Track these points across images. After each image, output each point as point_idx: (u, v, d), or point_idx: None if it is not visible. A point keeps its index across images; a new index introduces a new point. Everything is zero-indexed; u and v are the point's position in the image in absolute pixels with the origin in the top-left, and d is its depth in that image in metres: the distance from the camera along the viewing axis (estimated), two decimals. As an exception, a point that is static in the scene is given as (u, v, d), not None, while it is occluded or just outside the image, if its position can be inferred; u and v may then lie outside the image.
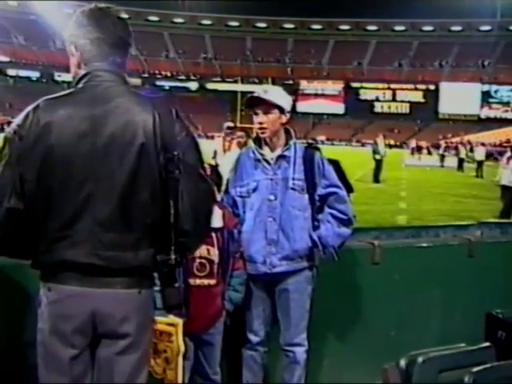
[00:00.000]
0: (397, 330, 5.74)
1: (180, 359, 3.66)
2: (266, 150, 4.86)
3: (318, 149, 5.14)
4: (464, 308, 6.02)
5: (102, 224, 2.95)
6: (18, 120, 3.02)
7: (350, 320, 5.67)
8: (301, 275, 4.81)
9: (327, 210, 4.81)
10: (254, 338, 4.93)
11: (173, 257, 3.08)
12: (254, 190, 4.82)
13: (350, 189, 5.20)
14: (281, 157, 4.81)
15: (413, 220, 17.22)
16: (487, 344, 3.62)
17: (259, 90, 4.83)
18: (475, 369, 3.06)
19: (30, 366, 3.25)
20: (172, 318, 3.59)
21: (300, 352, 4.90)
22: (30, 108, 3.01)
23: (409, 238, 6.38)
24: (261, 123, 4.75)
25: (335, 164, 5.09)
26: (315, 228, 4.81)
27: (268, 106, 4.76)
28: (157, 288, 3.24)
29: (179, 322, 3.59)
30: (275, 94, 4.84)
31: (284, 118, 4.80)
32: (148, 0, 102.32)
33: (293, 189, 4.76)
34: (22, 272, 4.09)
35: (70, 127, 2.95)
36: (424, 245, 6.11)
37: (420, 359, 3.20)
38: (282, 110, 4.79)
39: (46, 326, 3.03)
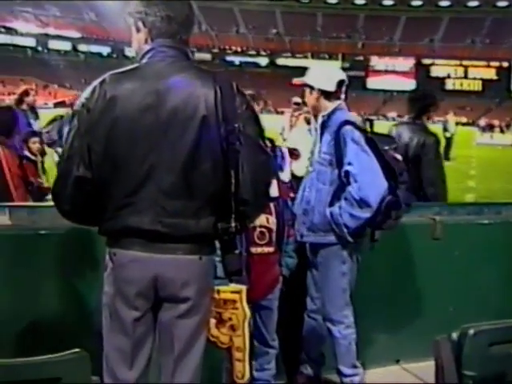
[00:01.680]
0: (456, 306, 5.78)
1: (246, 325, 3.78)
2: (315, 124, 5.04)
3: (367, 121, 5.18)
4: (524, 285, 5.99)
5: (165, 192, 3.09)
6: (85, 93, 3.18)
7: (408, 295, 5.74)
8: (329, 250, 4.85)
9: (347, 188, 4.72)
10: (310, 304, 5.08)
11: (233, 225, 3.19)
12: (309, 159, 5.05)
13: (391, 171, 4.79)
14: (316, 130, 4.96)
15: (480, 198, 16.95)
16: (540, 319, 3.62)
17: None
18: (525, 342, 3.10)
19: (97, 330, 3.42)
20: (235, 286, 3.70)
21: (337, 329, 4.92)
22: (96, 82, 3.16)
23: (470, 215, 6.38)
24: (303, 102, 4.98)
25: (372, 142, 4.88)
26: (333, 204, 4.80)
27: (301, 84, 5.05)
28: (217, 258, 3.37)
29: (243, 288, 3.70)
30: (307, 72, 5.07)
31: (315, 94, 4.92)
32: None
33: (319, 162, 4.86)
34: (89, 237, 4.30)
35: (134, 101, 3.08)
36: (485, 221, 6.12)
37: (471, 331, 3.22)
38: (310, 87, 4.94)
39: (111, 289, 3.20)
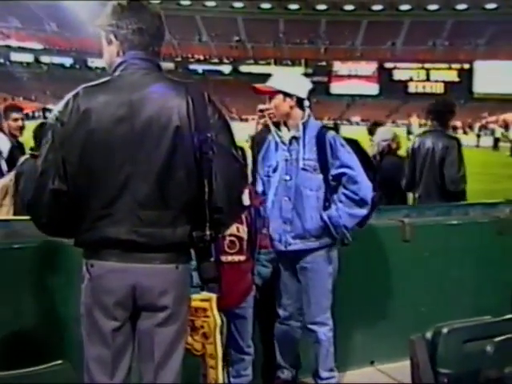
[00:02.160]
0: (427, 307, 5.84)
1: (218, 332, 3.84)
2: (284, 132, 5.03)
3: (332, 128, 5.26)
4: (493, 284, 6.11)
5: (141, 203, 3.13)
6: (58, 107, 3.21)
7: (380, 297, 5.79)
8: (317, 254, 4.92)
9: (340, 190, 4.87)
10: (282, 313, 5.10)
11: (208, 233, 3.22)
12: (275, 170, 5.01)
13: (372, 168, 5.18)
14: (293, 138, 4.95)
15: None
16: (511, 316, 3.70)
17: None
18: (498, 338, 3.16)
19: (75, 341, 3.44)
20: (206, 294, 3.75)
21: (323, 331, 5.00)
22: (70, 95, 3.19)
23: (439, 216, 6.45)
24: (267, 109, 4.96)
25: (354, 144, 5.10)
26: (328, 208, 4.88)
27: (271, 92, 4.96)
28: (191, 266, 3.40)
29: (213, 296, 3.76)
30: (277, 79, 5.03)
31: (290, 102, 4.91)
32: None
33: (304, 169, 4.88)
34: (62, 249, 4.32)
35: (108, 113, 3.12)
36: (454, 222, 6.21)
37: (445, 330, 3.28)
38: (286, 94, 4.92)
39: (89, 300, 3.21)
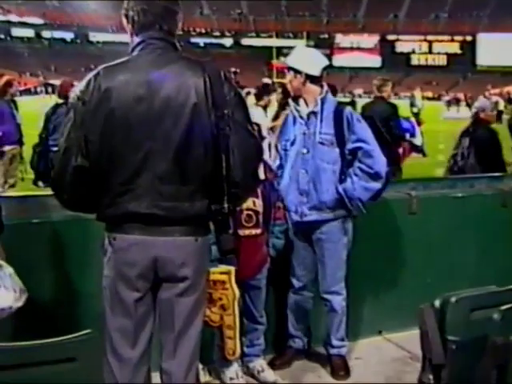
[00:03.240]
0: (433, 277, 5.94)
1: (236, 304, 3.95)
2: (302, 107, 5.13)
3: (349, 104, 5.36)
4: (497, 255, 6.21)
5: (161, 178, 3.24)
6: (80, 86, 3.33)
7: (387, 268, 5.91)
8: (332, 225, 5.05)
9: (356, 164, 5.00)
10: (296, 283, 5.23)
11: (226, 206, 3.33)
12: (292, 143, 5.11)
13: (387, 143, 5.35)
14: (312, 113, 5.06)
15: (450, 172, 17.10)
16: (516, 285, 3.78)
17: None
18: (504, 307, 3.25)
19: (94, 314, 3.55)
20: (224, 267, 3.87)
21: (337, 300, 5.16)
22: (90, 75, 3.31)
23: (444, 189, 6.54)
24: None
25: (370, 120, 5.25)
26: (344, 181, 5.01)
27: (283, 68, 5.16)
28: (210, 239, 3.51)
29: (232, 268, 3.87)
30: (292, 56, 5.19)
31: (301, 78, 5.04)
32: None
33: (321, 143, 5.00)
34: (80, 226, 4.43)
35: (128, 92, 3.23)
36: (459, 195, 6.30)
37: (453, 299, 3.36)
38: (296, 71, 5.05)
39: (111, 272, 3.34)
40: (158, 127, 3.24)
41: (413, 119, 9.84)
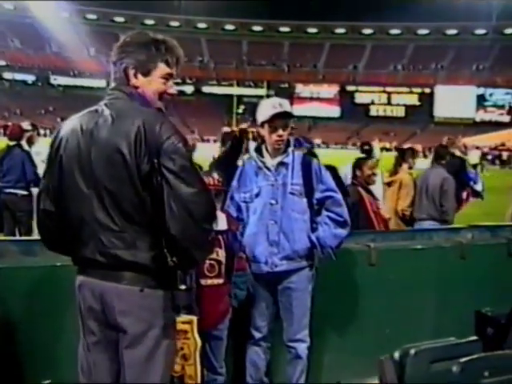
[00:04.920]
0: (392, 328, 5.94)
1: (198, 354, 3.92)
2: (266, 158, 5.14)
3: (315, 155, 5.44)
4: (455, 307, 6.24)
5: (101, 225, 3.25)
6: (53, 134, 3.47)
7: (347, 318, 5.89)
8: (301, 274, 5.07)
9: (324, 212, 5.08)
10: (257, 334, 5.20)
11: (169, 260, 3.28)
12: (257, 195, 5.10)
13: (346, 193, 5.48)
14: (280, 164, 5.08)
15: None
16: (475, 338, 3.82)
17: (275, 105, 5.07)
18: (463, 359, 3.29)
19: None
20: (186, 316, 3.84)
21: (302, 348, 5.15)
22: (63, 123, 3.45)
23: (403, 241, 6.63)
24: (281, 136, 5.02)
25: (332, 170, 5.37)
26: (313, 230, 5.06)
27: (287, 119, 5.10)
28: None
29: (194, 318, 3.85)
30: (288, 105, 5.18)
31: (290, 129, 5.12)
32: (144, 0, 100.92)
33: (292, 193, 5.03)
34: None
35: (72, 140, 3.34)
36: (418, 247, 6.37)
37: (412, 351, 3.39)
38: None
39: (77, 310, 3.44)
40: (94, 175, 3.27)
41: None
